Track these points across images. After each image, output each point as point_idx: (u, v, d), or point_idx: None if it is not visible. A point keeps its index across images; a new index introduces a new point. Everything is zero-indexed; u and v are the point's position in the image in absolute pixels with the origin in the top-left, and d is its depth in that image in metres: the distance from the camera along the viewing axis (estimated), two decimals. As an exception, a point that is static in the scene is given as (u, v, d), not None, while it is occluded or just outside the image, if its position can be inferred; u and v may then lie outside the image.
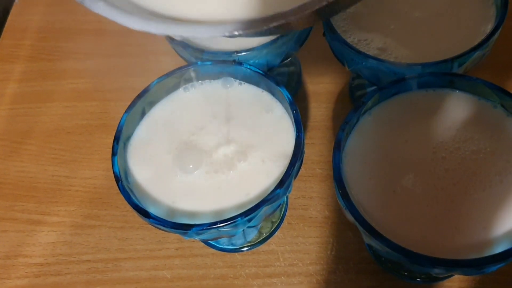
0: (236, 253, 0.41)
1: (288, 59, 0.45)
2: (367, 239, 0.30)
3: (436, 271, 0.29)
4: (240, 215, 0.30)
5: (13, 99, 0.53)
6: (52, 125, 0.51)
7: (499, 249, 0.28)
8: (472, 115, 0.33)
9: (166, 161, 0.35)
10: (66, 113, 0.51)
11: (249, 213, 0.30)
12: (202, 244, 0.42)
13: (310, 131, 0.46)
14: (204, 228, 0.30)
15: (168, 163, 0.35)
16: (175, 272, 0.41)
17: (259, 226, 0.42)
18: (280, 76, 0.49)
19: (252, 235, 0.42)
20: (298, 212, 0.43)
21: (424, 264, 0.28)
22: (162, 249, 0.42)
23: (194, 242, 0.42)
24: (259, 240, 0.42)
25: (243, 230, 0.37)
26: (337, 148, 0.32)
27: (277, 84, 0.35)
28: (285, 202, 0.43)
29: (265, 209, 0.31)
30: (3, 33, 0.59)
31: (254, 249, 0.41)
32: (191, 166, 0.34)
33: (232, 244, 0.42)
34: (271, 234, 0.42)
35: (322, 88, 0.48)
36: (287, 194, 0.33)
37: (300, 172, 0.42)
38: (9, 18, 0.60)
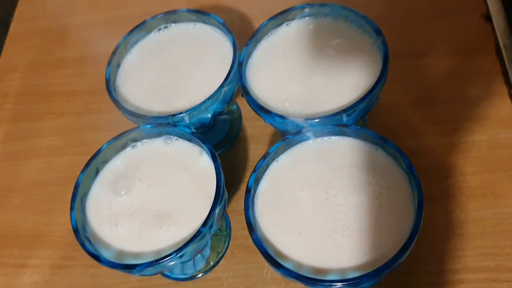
0: (188, 281, 0.48)
1: (227, 110, 0.53)
2: (274, 269, 0.37)
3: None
4: (172, 253, 0.38)
5: (-2, 159, 0.61)
6: (31, 180, 0.58)
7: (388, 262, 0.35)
8: (358, 156, 0.40)
9: (117, 212, 0.42)
10: (43, 168, 0.59)
11: (179, 251, 0.38)
12: (160, 275, 0.49)
13: (249, 169, 0.54)
14: (145, 266, 0.38)
15: (119, 214, 0.42)
16: (138, 301, 0.48)
17: (206, 256, 0.49)
18: (223, 123, 0.57)
19: (201, 264, 0.49)
20: (239, 242, 0.50)
21: (316, 284, 0.35)
22: (127, 281, 0.50)
23: (152, 274, 0.49)
24: (207, 268, 0.49)
25: (193, 260, 0.44)
26: (248, 192, 0.39)
27: (202, 141, 0.42)
28: (228, 234, 0.50)
29: (193, 247, 0.38)
30: (-13, 99, 0.67)
31: (203, 277, 0.48)
32: (122, 192, 0.43)
33: (185, 274, 0.49)
34: (217, 263, 0.49)
35: (259, 131, 0.56)
36: (212, 233, 0.40)
37: (242, 207, 0.49)
38: (-8, 85, 0.68)
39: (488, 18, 0.55)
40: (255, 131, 0.56)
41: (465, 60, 0.54)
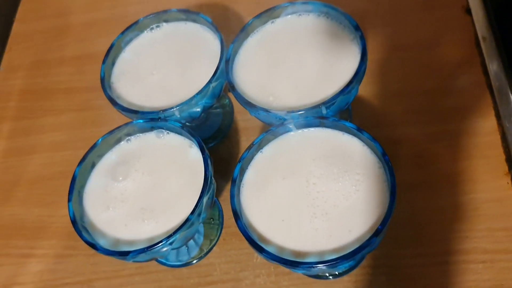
0: (183, 268, 0.51)
1: (219, 103, 0.56)
2: (258, 253, 0.39)
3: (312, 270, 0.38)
4: (163, 240, 0.40)
5: (3, 154, 0.64)
6: (35, 174, 0.61)
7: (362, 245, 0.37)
8: (336, 146, 0.43)
9: (111, 195, 0.45)
10: (46, 162, 0.62)
11: (169, 238, 0.40)
12: (156, 263, 0.52)
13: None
14: (138, 253, 0.40)
15: (112, 198, 0.45)
16: (137, 286, 0.51)
17: (200, 243, 0.52)
18: (216, 116, 0.59)
19: (195, 251, 0.51)
20: (231, 230, 0.52)
21: (296, 266, 0.37)
22: (125, 269, 0.52)
23: (149, 262, 0.52)
24: (200, 255, 0.51)
25: (187, 248, 0.47)
26: (233, 182, 0.42)
27: (191, 134, 0.45)
28: (221, 223, 0.53)
29: (182, 234, 0.41)
30: (-8, 97, 0.70)
31: (197, 263, 0.51)
32: (120, 177, 0.46)
33: (179, 260, 0.52)
34: (210, 250, 0.52)
35: (250, 123, 0.58)
36: (200, 221, 0.43)
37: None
38: (-4, 83, 0.71)
39: (468, 10, 0.57)
40: (247, 123, 0.59)
41: (446, 52, 0.56)
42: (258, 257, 0.50)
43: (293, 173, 0.42)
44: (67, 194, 0.58)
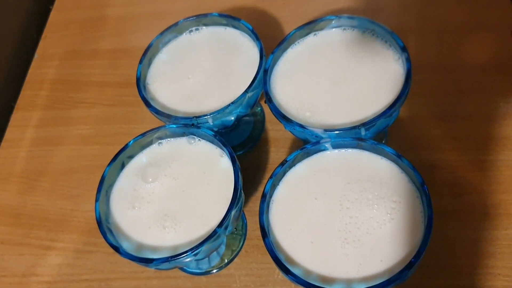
0: (202, 276, 0.50)
1: (252, 111, 0.55)
2: (283, 274, 0.38)
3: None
4: (188, 251, 0.40)
5: (31, 143, 0.64)
6: (61, 166, 0.61)
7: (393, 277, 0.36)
8: (373, 171, 0.41)
9: (138, 195, 0.45)
10: (73, 155, 0.62)
11: (194, 249, 0.40)
12: (176, 268, 0.51)
13: (268, 171, 0.55)
14: (161, 261, 0.40)
15: (139, 197, 0.45)
16: (154, 290, 0.51)
17: (221, 253, 0.51)
18: (247, 124, 0.58)
19: (216, 261, 0.51)
20: (254, 242, 0.51)
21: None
22: (144, 271, 0.52)
23: (169, 266, 0.51)
24: (221, 265, 0.51)
25: (208, 256, 0.46)
26: (263, 198, 0.41)
27: (223, 143, 0.44)
28: (244, 234, 0.52)
29: (208, 246, 0.40)
30: (24, 84, 0.70)
31: (217, 273, 0.50)
32: (150, 179, 0.46)
33: (199, 268, 0.51)
34: (231, 260, 0.51)
35: (281, 134, 0.57)
36: (227, 233, 0.42)
37: (257, 208, 0.51)
38: (30, 71, 0.71)
39: (517, 36, 0.55)
40: (277, 134, 0.58)
41: (490, 77, 0.54)
42: (279, 274, 0.49)
43: (326, 195, 0.41)
44: (92, 189, 0.58)
